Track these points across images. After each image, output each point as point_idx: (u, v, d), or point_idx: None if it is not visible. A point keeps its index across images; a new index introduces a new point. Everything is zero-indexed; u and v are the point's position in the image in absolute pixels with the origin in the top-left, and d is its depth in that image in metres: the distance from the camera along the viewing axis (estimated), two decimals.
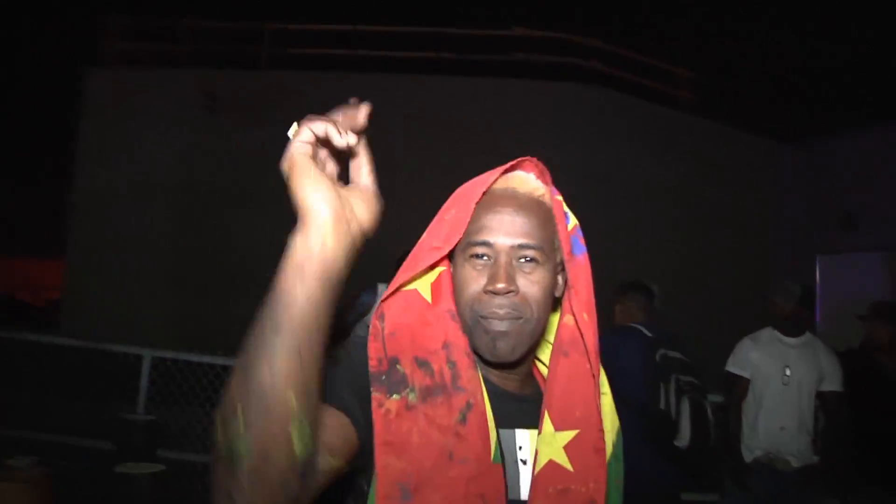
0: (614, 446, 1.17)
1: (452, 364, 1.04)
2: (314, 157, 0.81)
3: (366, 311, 2.47)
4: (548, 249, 1.09)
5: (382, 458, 0.96)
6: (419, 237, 1.12)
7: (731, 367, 3.90)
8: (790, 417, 3.73)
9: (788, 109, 9.22)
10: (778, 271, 3.96)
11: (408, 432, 0.98)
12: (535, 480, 1.06)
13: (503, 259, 1.06)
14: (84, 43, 10.04)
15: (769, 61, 7.79)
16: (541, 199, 1.12)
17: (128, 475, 3.36)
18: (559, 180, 1.13)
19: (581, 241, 1.15)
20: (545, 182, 1.13)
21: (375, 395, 0.98)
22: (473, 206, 1.08)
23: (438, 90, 8.68)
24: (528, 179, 1.13)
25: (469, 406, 1.02)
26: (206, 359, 5.52)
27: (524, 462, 1.10)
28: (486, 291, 1.05)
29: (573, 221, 1.16)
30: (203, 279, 8.56)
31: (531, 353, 1.17)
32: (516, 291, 1.05)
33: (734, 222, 9.38)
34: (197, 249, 8.65)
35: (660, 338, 3.64)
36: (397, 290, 1.09)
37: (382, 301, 1.09)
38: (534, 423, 1.10)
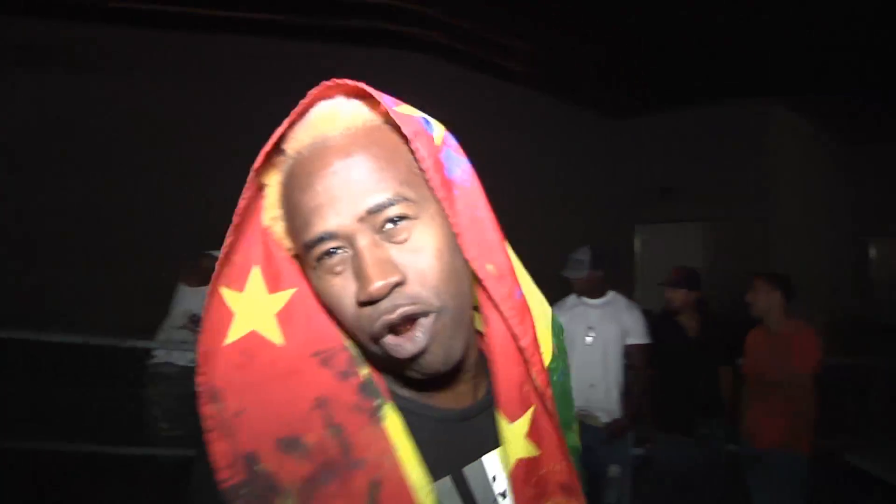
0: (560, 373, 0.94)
1: (336, 430, 0.72)
2: None
3: None
4: (414, 190, 0.72)
5: None
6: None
7: None
8: (598, 375, 3.90)
9: (614, 86, 9.65)
10: (599, 241, 4.13)
11: None
12: (513, 486, 0.81)
13: (362, 243, 0.69)
14: None
15: (598, 38, 8.08)
16: (369, 125, 0.74)
17: None
18: None
19: (457, 153, 0.78)
20: (365, 96, 0.74)
21: None
22: (251, 179, 0.72)
23: (270, 53, 8.32)
24: (335, 111, 0.73)
25: (375, 485, 0.70)
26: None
27: (504, 496, 0.82)
28: (361, 305, 0.70)
29: (439, 131, 0.77)
30: None
31: (471, 343, 0.82)
32: (402, 280, 0.70)
33: (562, 193, 9.78)
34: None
35: None
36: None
37: (200, 368, 0.73)
38: None
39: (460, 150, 0.79)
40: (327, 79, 0.73)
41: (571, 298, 4.06)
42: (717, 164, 9.68)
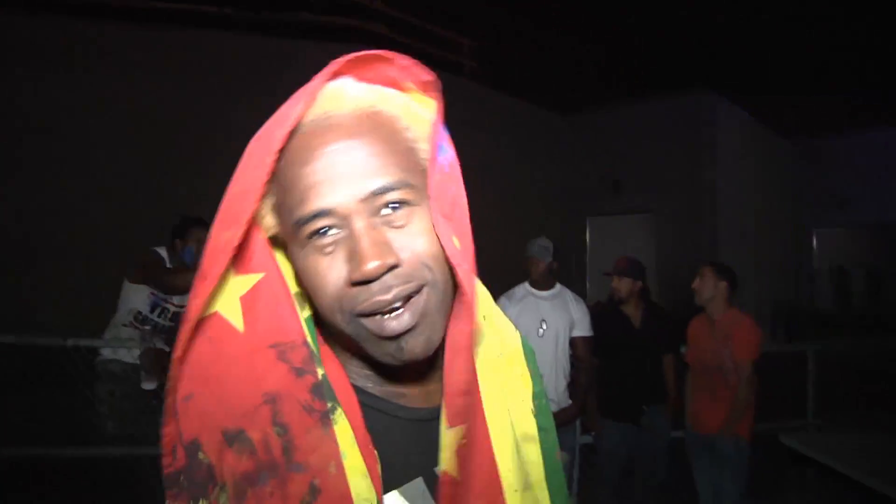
0: (535, 415, 0.89)
1: (282, 429, 0.68)
2: None
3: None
4: (416, 178, 0.72)
5: None
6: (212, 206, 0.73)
7: None
8: (548, 366, 3.96)
9: (565, 82, 9.77)
10: (552, 234, 4.19)
11: None
12: (437, 500, 0.75)
13: (359, 224, 0.68)
14: None
15: (548, 34, 8.16)
16: (371, 110, 0.72)
17: None
18: None
19: (445, 143, 0.78)
20: (371, 80, 0.74)
21: None
22: (271, 161, 0.66)
23: (219, 47, 8.22)
24: (341, 92, 0.72)
25: (314, 491, 0.66)
26: None
27: None
28: (353, 284, 0.68)
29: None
30: None
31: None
32: (398, 263, 0.68)
33: (513, 187, 9.85)
34: None
35: None
36: (197, 322, 0.70)
37: (177, 347, 0.69)
38: None
39: (447, 141, 0.79)
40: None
41: (520, 290, 4.11)
42: (665, 158, 9.88)
